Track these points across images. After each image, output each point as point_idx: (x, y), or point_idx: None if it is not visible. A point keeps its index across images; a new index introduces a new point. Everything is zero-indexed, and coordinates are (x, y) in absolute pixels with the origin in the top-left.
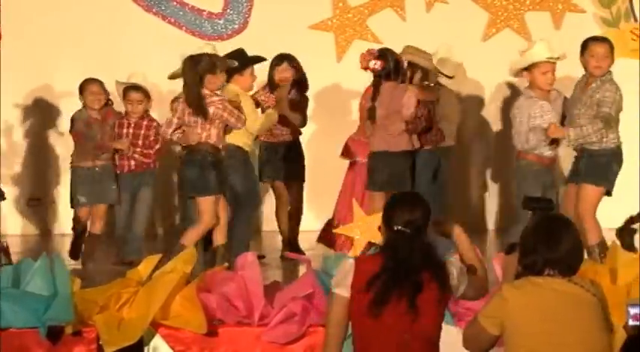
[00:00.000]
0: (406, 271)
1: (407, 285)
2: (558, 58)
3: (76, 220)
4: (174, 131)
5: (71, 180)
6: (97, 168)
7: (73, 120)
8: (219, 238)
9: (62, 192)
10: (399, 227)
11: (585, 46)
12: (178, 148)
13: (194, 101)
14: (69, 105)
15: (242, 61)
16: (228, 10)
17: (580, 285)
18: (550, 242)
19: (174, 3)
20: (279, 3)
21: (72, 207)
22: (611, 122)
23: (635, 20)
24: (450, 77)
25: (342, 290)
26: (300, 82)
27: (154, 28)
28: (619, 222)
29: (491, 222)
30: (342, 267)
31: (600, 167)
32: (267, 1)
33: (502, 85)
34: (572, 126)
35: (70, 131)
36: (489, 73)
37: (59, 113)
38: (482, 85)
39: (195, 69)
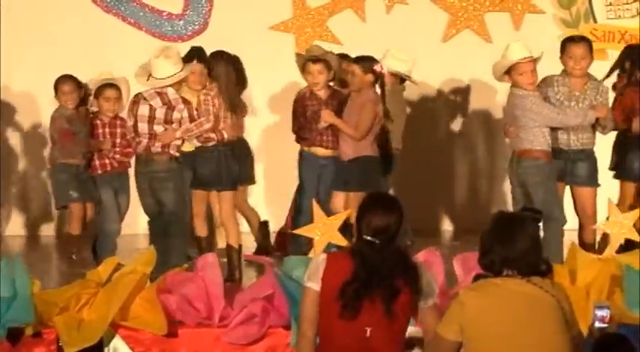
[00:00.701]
0: (378, 280)
1: (380, 292)
2: (534, 58)
3: (72, 219)
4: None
5: (56, 178)
6: (81, 167)
7: (52, 118)
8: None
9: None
10: (369, 237)
11: (564, 46)
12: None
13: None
14: (27, 105)
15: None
16: (188, 11)
17: (539, 286)
18: (505, 241)
19: (134, 4)
20: (240, 4)
21: (57, 207)
22: None
23: (595, 21)
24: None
25: (314, 284)
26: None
27: (113, 29)
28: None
29: (447, 223)
30: (314, 262)
31: (596, 168)
32: (227, 2)
33: (461, 85)
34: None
35: (52, 130)
36: (449, 73)
37: (15, 113)
38: (443, 86)
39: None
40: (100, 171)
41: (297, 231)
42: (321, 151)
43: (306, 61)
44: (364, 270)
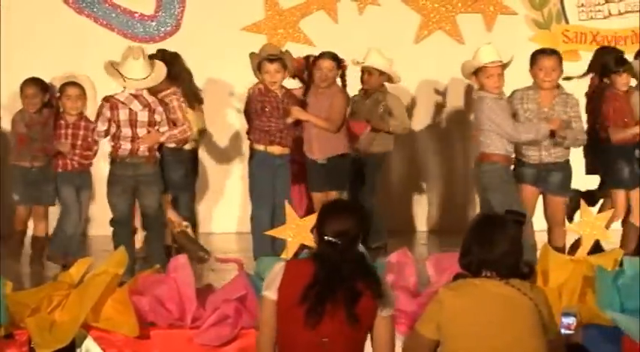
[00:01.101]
0: (338, 282)
1: (342, 296)
2: (503, 63)
3: (17, 219)
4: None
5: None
6: (33, 169)
7: (13, 121)
8: None
9: None
10: (330, 238)
11: (534, 58)
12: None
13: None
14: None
15: None
16: (161, 12)
17: (517, 288)
18: (484, 243)
19: (106, 5)
20: (212, 5)
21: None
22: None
23: (567, 22)
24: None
25: (270, 292)
26: None
27: (85, 30)
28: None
29: (422, 224)
30: (272, 270)
31: (570, 178)
32: (199, 3)
33: (434, 86)
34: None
35: (12, 132)
36: (422, 74)
37: None
38: (415, 87)
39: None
40: (60, 170)
41: (270, 232)
42: (278, 150)
43: (262, 60)
44: (324, 271)
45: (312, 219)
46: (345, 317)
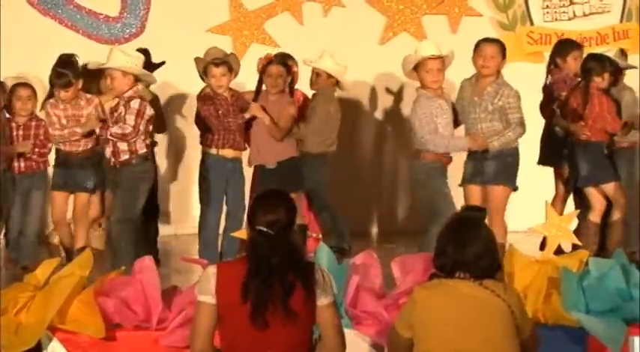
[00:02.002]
0: (269, 273)
1: (276, 290)
2: (442, 57)
3: None
4: None
5: None
6: None
7: None
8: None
9: None
10: (261, 227)
11: (476, 46)
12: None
13: None
14: None
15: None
16: (125, 14)
17: (491, 290)
18: (458, 244)
19: (71, 7)
20: (177, 6)
21: None
22: (524, 125)
23: (532, 23)
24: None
25: (206, 297)
26: None
27: (50, 32)
28: (521, 226)
29: (382, 226)
30: (204, 274)
31: (508, 167)
32: (164, 5)
33: (398, 87)
34: (473, 130)
35: None
36: (386, 75)
37: None
38: (380, 88)
39: None
40: (17, 172)
41: (234, 234)
42: (230, 153)
43: (208, 63)
44: (255, 261)
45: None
46: (283, 312)
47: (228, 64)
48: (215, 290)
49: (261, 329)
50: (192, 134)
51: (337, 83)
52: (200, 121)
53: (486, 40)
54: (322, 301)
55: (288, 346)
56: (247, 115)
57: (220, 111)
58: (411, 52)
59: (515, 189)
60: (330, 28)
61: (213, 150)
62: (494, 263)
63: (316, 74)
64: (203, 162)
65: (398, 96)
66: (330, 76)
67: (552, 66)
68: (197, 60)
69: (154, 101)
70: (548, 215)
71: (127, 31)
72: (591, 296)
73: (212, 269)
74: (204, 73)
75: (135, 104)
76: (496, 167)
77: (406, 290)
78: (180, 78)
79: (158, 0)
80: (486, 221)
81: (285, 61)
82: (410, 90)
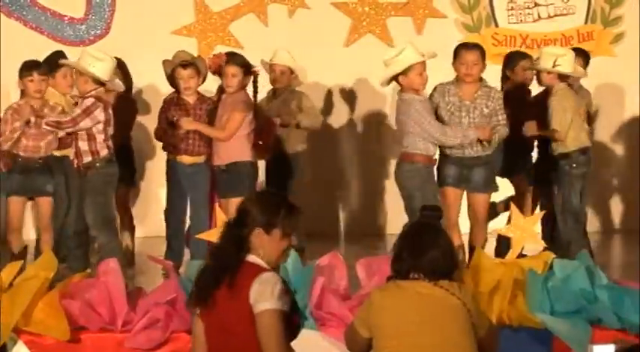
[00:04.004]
0: (221, 267)
1: (224, 290)
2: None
3: None
4: None
5: None
6: None
7: None
8: None
9: None
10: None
11: (456, 52)
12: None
13: None
14: None
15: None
16: (90, 16)
17: (445, 289)
18: (415, 250)
19: (36, 9)
20: (142, 8)
21: None
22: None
23: (496, 25)
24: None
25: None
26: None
27: (14, 34)
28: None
29: (345, 226)
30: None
31: (493, 174)
32: (129, 6)
33: (364, 89)
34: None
35: None
36: (352, 77)
37: None
38: (345, 89)
39: None
40: None
41: (200, 236)
42: (188, 159)
43: (176, 66)
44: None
45: None
46: (227, 313)
47: (196, 66)
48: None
49: (207, 310)
50: (145, 135)
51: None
52: (159, 125)
53: (466, 46)
54: (256, 307)
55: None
56: (182, 131)
57: (176, 118)
58: (377, 53)
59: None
60: (295, 30)
61: (171, 156)
62: (452, 268)
63: (280, 72)
64: (167, 165)
65: (365, 97)
66: (292, 71)
67: (504, 78)
68: (165, 62)
69: (131, 106)
70: (513, 217)
71: (92, 32)
72: (556, 298)
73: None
74: (171, 76)
75: (87, 102)
76: (484, 174)
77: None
78: (145, 79)
79: (123, 1)
80: (467, 227)
81: (243, 62)
82: (374, 92)
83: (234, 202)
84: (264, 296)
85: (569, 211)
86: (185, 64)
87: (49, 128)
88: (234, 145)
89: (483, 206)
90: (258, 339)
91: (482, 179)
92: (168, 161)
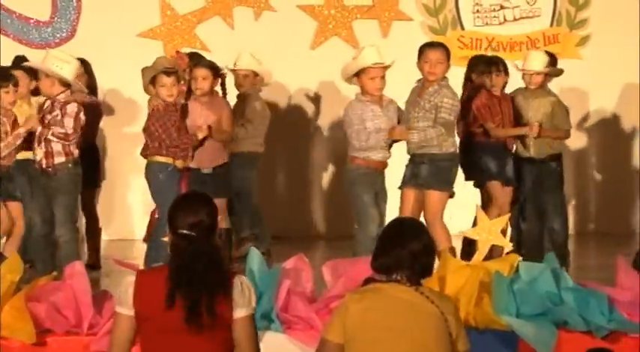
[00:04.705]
0: (191, 278)
1: (198, 292)
2: (386, 65)
3: None
4: None
5: None
6: None
7: None
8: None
9: None
10: (183, 231)
11: (421, 51)
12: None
13: None
14: None
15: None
16: (56, 18)
17: (425, 296)
18: (398, 243)
19: (1, 11)
20: (108, 11)
21: None
22: (450, 127)
23: (462, 28)
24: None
25: (124, 308)
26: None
27: None
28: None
29: (306, 230)
30: (122, 284)
31: (443, 172)
32: (95, 9)
33: (331, 91)
34: (410, 129)
35: None
36: (318, 79)
37: None
38: (311, 92)
39: None
40: None
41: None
42: (182, 164)
43: (158, 73)
44: (177, 265)
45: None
46: (208, 317)
47: (178, 74)
48: (133, 300)
49: (194, 336)
50: (115, 138)
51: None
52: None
53: (431, 45)
54: (239, 312)
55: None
56: (201, 136)
57: (176, 125)
58: (343, 56)
59: (452, 195)
60: (261, 33)
61: (168, 160)
62: (432, 263)
63: (243, 76)
64: (156, 172)
65: (331, 100)
66: (256, 74)
67: (468, 81)
68: (145, 69)
69: (97, 108)
70: (479, 219)
71: (58, 35)
72: (522, 300)
73: (130, 279)
74: (151, 82)
75: (72, 107)
76: (430, 171)
77: (337, 294)
78: (110, 81)
79: (89, 4)
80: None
81: (212, 64)
82: (339, 94)
83: (222, 202)
84: (245, 302)
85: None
86: (169, 71)
87: (56, 140)
88: (219, 148)
89: (431, 204)
90: (227, 341)
91: (428, 175)
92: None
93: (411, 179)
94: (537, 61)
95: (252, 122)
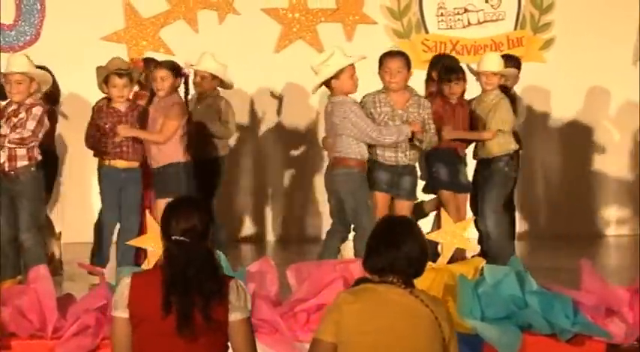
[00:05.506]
0: (186, 283)
1: (196, 299)
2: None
3: None
4: None
5: None
6: None
7: None
8: None
9: None
10: (176, 237)
11: (381, 61)
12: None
13: None
14: None
15: None
16: (20, 22)
17: (420, 299)
18: (392, 243)
19: None
20: (72, 14)
21: None
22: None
23: (427, 31)
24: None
25: (119, 311)
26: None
27: None
28: None
29: (270, 233)
30: (118, 288)
31: (417, 182)
32: (59, 13)
33: (295, 94)
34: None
35: None
36: (282, 83)
37: None
38: (277, 95)
39: None
40: None
41: (131, 242)
42: (122, 164)
43: (110, 73)
44: (172, 270)
45: None
46: (203, 322)
47: (131, 75)
48: (127, 303)
49: (188, 340)
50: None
51: (221, 83)
52: (90, 132)
53: (390, 54)
54: (236, 316)
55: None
56: (118, 139)
57: (108, 125)
58: (307, 59)
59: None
60: (225, 36)
61: (105, 161)
62: (425, 262)
63: (200, 76)
64: (99, 172)
65: (295, 103)
66: (214, 77)
67: (428, 80)
68: (99, 69)
69: (53, 113)
70: (444, 222)
71: (22, 38)
72: (486, 303)
73: (126, 281)
74: (104, 83)
75: (37, 111)
76: (412, 183)
77: (302, 298)
78: (75, 84)
79: (53, 7)
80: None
81: (172, 65)
82: (304, 97)
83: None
84: (242, 305)
85: (501, 214)
86: (121, 73)
87: (13, 146)
88: (168, 147)
89: (406, 212)
90: (223, 345)
91: (410, 186)
92: (100, 168)
93: (391, 187)
94: (491, 63)
95: (228, 123)
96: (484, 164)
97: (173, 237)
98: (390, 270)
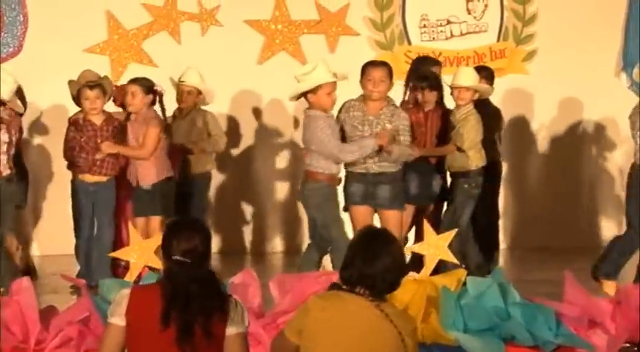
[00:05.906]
0: (187, 299)
1: (196, 315)
2: (338, 79)
3: None
4: None
5: None
6: None
7: None
8: None
9: None
10: (178, 257)
11: (363, 70)
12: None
13: None
14: None
15: None
16: (3, 34)
17: (385, 313)
18: (367, 257)
19: None
20: (55, 26)
21: None
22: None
23: (409, 43)
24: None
25: (117, 319)
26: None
27: None
28: None
29: (251, 245)
30: (118, 296)
31: (400, 191)
32: (42, 24)
33: (278, 106)
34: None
35: None
36: (265, 95)
37: None
38: (258, 107)
39: None
40: None
41: (113, 254)
42: (90, 178)
43: (82, 86)
44: (172, 291)
45: (156, 240)
46: (203, 337)
47: (102, 87)
48: (126, 313)
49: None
50: (56, 154)
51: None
52: (67, 146)
53: (374, 63)
54: (232, 330)
55: None
56: (99, 156)
57: (83, 139)
58: (290, 71)
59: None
60: (208, 48)
61: (77, 176)
62: (400, 277)
63: (187, 92)
64: (72, 184)
65: (277, 115)
66: (200, 91)
67: (409, 84)
68: (71, 83)
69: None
70: (426, 234)
71: (5, 50)
72: (469, 315)
73: (126, 292)
74: (77, 97)
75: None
76: (391, 191)
77: (285, 310)
78: (57, 96)
79: (36, 19)
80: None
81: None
82: (286, 109)
83: (157, 220)
84: (238, 320)
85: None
86: (91, 85)
87: None
88: (155, 165)
89: (392, 223)
90: None
91: (388, 195)
92: (73, 181)
93: (366, 198)
94: (465, 77)
95: (220, 138)
96: (451, 176)
97: (174, 257)
98: (361, 283)
